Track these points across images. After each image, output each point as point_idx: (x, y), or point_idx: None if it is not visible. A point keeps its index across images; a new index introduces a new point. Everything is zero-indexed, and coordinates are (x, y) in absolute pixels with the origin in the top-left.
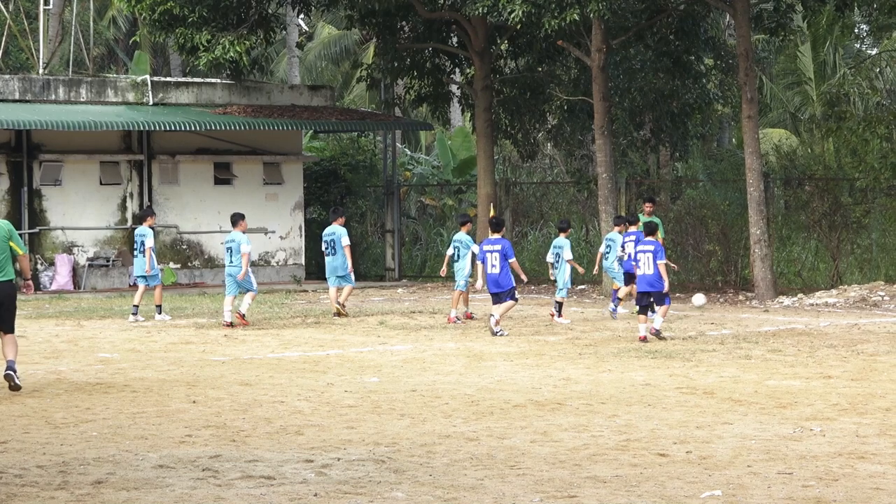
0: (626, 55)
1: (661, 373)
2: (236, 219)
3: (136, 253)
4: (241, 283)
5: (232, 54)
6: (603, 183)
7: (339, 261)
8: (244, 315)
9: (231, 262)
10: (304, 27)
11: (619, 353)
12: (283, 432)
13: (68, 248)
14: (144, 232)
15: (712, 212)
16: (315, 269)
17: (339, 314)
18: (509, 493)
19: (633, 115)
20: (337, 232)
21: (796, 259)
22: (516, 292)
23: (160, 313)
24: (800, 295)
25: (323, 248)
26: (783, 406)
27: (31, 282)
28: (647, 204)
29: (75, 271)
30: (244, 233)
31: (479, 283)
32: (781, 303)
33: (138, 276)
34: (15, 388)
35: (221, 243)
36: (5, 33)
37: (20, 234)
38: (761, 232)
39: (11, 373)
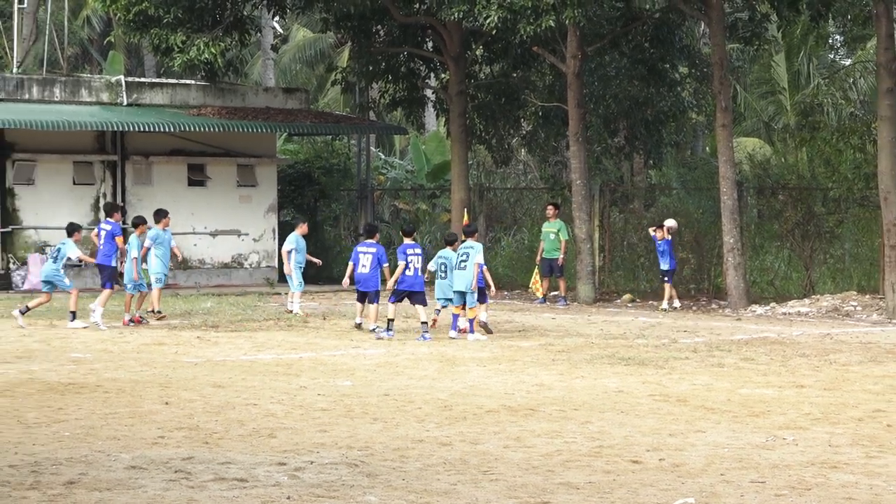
0: (601, 62)
1: (634, 380)
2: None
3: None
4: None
5: (207, 56)
6: (577, 189)
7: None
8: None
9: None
10: (279, 30)
11: (592, 359)
12: (255, 435)
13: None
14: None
15: (686, 220)
16: None
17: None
18: (482, 499)
19: (608, 121)
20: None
21: (769, 268)
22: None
23: (73, 320)
24: (772, 304)
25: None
26: (756, 415)
27: None
28: (550, 207)
29: None
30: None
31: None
32: (754, 311)
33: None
34: None
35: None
36: None
37: None
38: (734, 240)
39: None
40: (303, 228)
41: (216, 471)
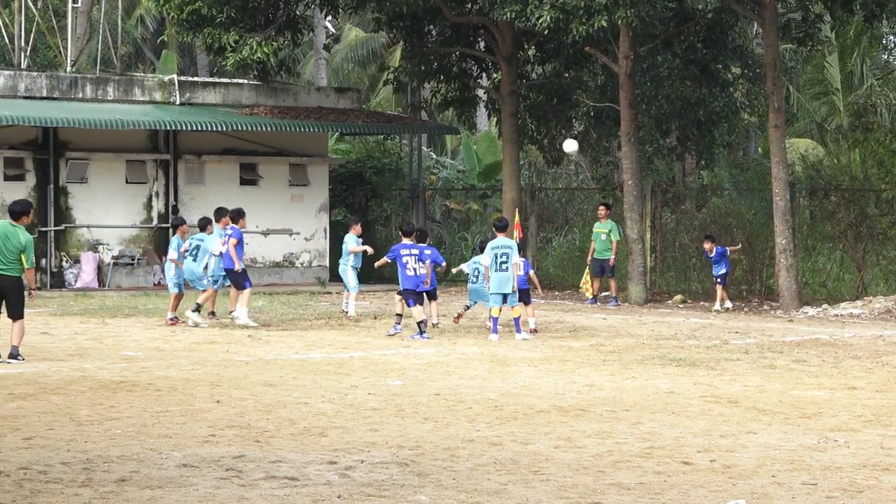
0: (653, 62)
1: (685, 381)
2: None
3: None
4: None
5: (259, 55)
6: (628, 190)
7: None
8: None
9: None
10: (332, 29)
11: (643, 360)
12: (306, 433)
13: (93, 246)
14: (203, 238)
15: (738, 220)
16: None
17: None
18: (533, 499)
19: (660, 122)
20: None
21: (821, 269)
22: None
23: (195, 311)
24: (824, 305)
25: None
26: (807, 416)
27: (33, 292)
28: (601, 207)
29: (100, 269)
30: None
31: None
32: (806, 313)
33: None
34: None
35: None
36: (33, 31)
37: (44, 231)
38: (787, 241)
39: (11, 360)
40: (356, 229)
41: (267, 469)
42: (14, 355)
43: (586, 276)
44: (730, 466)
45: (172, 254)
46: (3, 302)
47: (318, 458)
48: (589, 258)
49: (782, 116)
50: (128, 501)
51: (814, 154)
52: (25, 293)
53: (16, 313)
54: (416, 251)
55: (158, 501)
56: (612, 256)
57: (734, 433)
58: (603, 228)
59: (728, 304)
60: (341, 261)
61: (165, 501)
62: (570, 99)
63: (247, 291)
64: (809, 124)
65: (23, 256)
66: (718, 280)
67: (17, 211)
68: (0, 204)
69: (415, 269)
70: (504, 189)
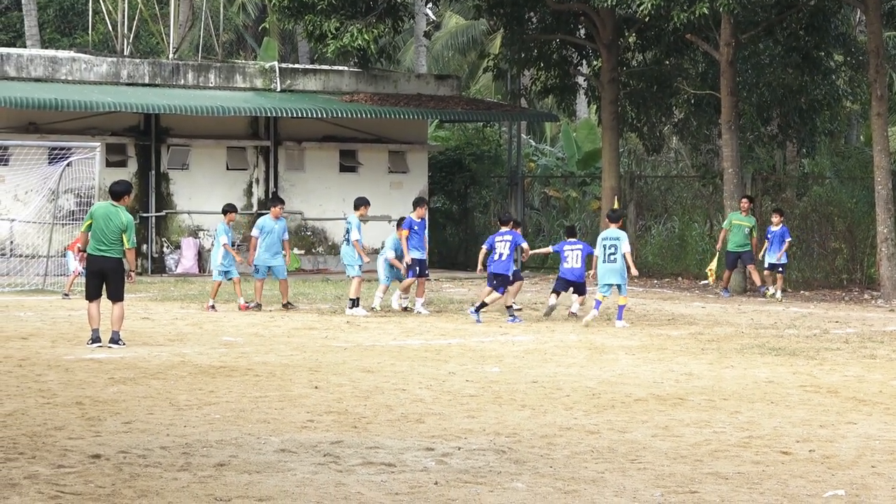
0: (754, 50)
1: (784, 370)
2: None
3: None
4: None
5: (360, 42)
6: (728, 178)
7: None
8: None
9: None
10: (432, 16)
11: (742, 349)
12: (403, 420)
13: (194, 232)
14: (351, 220)
15: (839, 209)
16: (437, 258)
17: None
18: (630, 487)
19: (761, 110)
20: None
21: None
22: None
23: (353, 307)
24: None
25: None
26: None
27: (133, 273)
28: (744, 200)
29: (200, 255)
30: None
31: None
32: None
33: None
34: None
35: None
36: (136, 18)
37: (145, 217)
38: (888, 230)
39: (113, 345)
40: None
41: (364, 455)
42: (115, 340)
43: (712, 263)
44: (829, 457)
45: (224, 238)
46: (104, 284)
47: (415, 445)
48: (719, 245)
49: (885, 104)
50: (226, 486)
51: None
52: (126, 276)
53: (116, 296)
54: (509, 237)
55: (256, 486)
56: (756, 249)
57: (833, 423)
58: (745, 222)
59: (779, 293)
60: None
61: (263, 486)
62: (670, 86)
63: (408, 280)
64: None
65: (124, 236)
66: (780, 270)
67: (118, 191)
68: (102, 189)
69: (501, 256)
70: (603, 177)
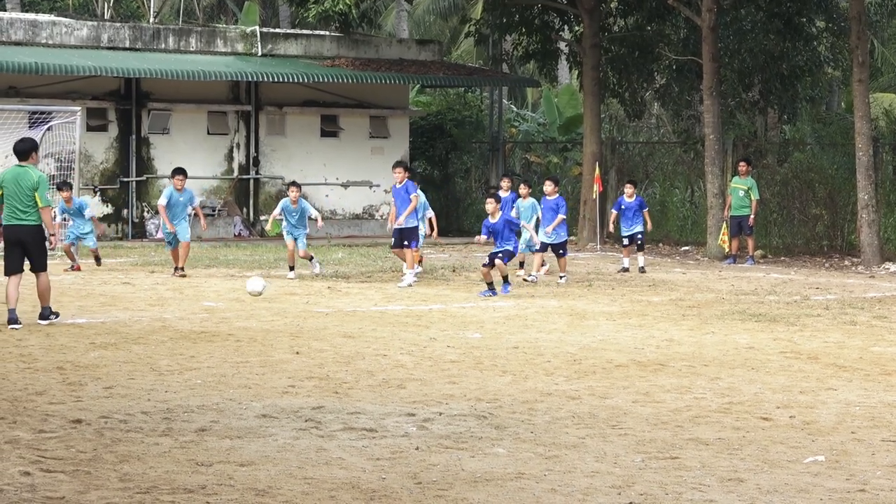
0: (736, 16)
1: (764, 336)
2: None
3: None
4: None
5: (341, 7)
6: (710, 144)
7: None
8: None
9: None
10: None
11: (722, 315)
12: (385, 385)
13: None
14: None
15: (820, 176)
16: None
17: None
18: (611, 453)
19: (742, 76)
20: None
21: None
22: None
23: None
24: None
25: None
26: (888, 373)
27: (53, 236)
28: (742, 163)
29: None
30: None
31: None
32: (888, 269)
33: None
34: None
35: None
36: None
37: (126, 182)
38: (869, 197)
39: (42, 321)
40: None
41: (345, 420)
42: (45, 315)
43: (724, 232)
44: (809, 423)
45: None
46: (25, 255)
47: (396, 410)
48: (726, 212)
49: (866, 71)
50: (207, 451)
51: None
52: (47, 242)
53: (40, 266)
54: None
55: (238, 451)
56: (752, 216)
57: (814, 389)
58: (742, 184)
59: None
60: None
61: (245, 451)
62: (652, 52)
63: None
64: (894, 78)
65: (37, 195)
66: (630, 240)
67: (22, 150)
68: (82, 153)
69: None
70: (584, 142)
